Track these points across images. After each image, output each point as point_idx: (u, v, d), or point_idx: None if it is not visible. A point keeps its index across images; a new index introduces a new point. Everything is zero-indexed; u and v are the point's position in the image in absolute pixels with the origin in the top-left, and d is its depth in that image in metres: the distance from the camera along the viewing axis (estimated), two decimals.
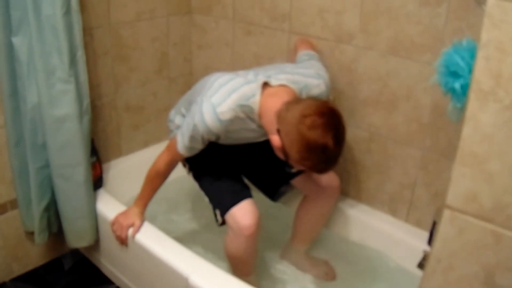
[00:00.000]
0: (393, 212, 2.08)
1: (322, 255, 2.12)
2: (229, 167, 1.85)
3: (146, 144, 2.49)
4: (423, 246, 1.84)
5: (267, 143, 1.90)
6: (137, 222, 1.84)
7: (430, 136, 1.85)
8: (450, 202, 0.87)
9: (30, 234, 2.08)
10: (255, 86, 1.58)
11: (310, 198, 1.97)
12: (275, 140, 1.50)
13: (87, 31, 1.98)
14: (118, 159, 2.39)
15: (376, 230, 2.07)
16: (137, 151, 2.46)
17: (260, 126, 1.60)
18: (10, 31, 1.70)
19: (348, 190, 2.19)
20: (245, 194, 1.75)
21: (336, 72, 2.02)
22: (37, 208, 1.94)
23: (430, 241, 1.84)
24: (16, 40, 1.71)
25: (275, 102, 1.52)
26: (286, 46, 2.15)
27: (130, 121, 2.39)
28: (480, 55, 0.77)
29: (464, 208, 0.85)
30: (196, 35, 2.52)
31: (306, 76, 1.70)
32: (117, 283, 2.11)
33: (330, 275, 2.04)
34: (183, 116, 1.81)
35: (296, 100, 1.52)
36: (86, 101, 1.88)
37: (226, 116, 1.54)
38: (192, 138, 1.62)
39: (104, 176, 2.20)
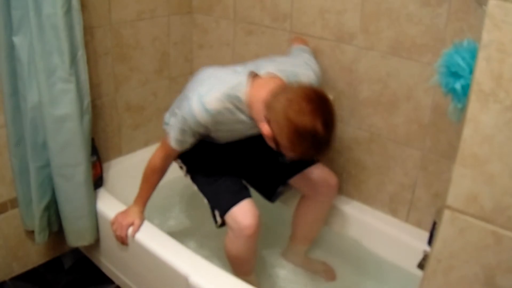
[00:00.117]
0: (394, 213, 2.08)
1: (322, 255, 2.12)
2: (226, 167, 1.85)
3: (146, 143, 2.49)
4: (423, 246, 1.84)
5: (262, 142, 1.90)
6: (137, 221, 1.84)
7: (431, 137, 1.85)
8: (451, 203, 0.87)
9: (31, 233, 2.08)
10: (243, 77, 1.58)
11: (308, 197, 1.97)
12: (265, 128, 1.48)
13: (87, 30, 1.98)
14: (119, 159, 2.40)
15: (377, 230, 2.07)
16: (138, 150, 2.46)
17: (250, 117, 1.59)
18: (11, 30, 1.71)
19: (349, 190, 2.19)
20: (244, 193, 1.75)
21: (336, 72, 2.02)
22: (37, 207, 1.94)
23: (430, 241, 1.85)
24: (16, 40, 1.71)
25: (263, 91, 1.51)
26: (287, 46, 2.15)
27: (130, 120, 2.39)
28: (481, 56, 0.77)
29: (465, 208, 0.85)
30: (197, 35, 2.52)
31: (295, 65, 1.69)
32: (117, 282, 2.11)
33: (330, 275, 2.04)
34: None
35: (283, 87, 1.49)
36: (87, 101, 1.88)
37: (213, 106, 1.53)
38: (182, 131, 1.62)
39: (105, 175, 2.20)
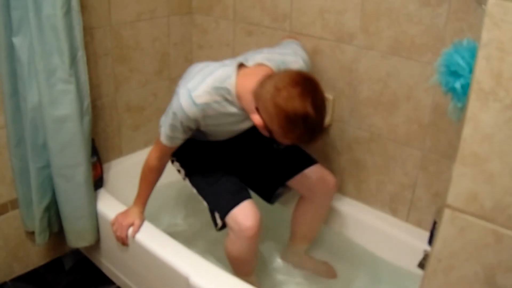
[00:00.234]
0: (394, 212, 2.08)
1: (322, 255, 2.12)
2: (224, 169, 1.84)
3: (146, 144, 2.49)
4: (424, 246, 1.84)
5: (259, 144, 1.90)
6: (137, 222, 1.84)
7: (431, 136, 1.85)
8: (451, 202, 0.87)
9: (31, 234, 2.08)
10: (231, 68, 1.58)
11: (307, 198, 1.96)
12: (256, 118, 1.48)
13: (87, 31, 1.98)
14: (119, 159, 2.40)
15: (377, 230, 2.07)
16: (138, 151, 2.46)
17: (241, 109, 1.59)
18: (11, 31, 1.71)
19: (349, 190, 2.19)
20: (244, 194, 1.74)
21: (336, 72, 2.02)
22: (37, 208, 1.94)
23: (430, 241, 1.85)
24: (16, 40, 1.72)
25: (251, 81, 1.51)
26: None
27: (130, 121, 2.39)
28: (481, 54, 0.77)
29: (465, 208, 0.85)
30: (196, 35, 2.52)
31: (283, 54, 1.69)
32: (118, 283, 2.11)
33: (330, 274, 2.04)
34: None
35: (269, 75, 1.49)
36: (87, 101, 1.88)
37: (201, 99, 1.53)
38: (172, 126, 1.62)
39: (105, 176, 2.20)
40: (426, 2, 1.69)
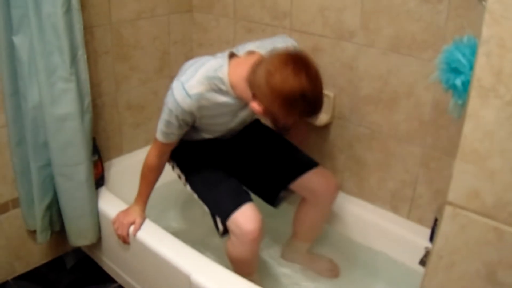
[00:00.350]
0: (395, 209, 2.08)
1: (324, 252, 2.12)
2: (225, 173, 1.83)
3: (147, 142, 2.48)
4: (425, 243, 1.84)
5: (260, 147, 1.90)
6: (138, 220, 1.84)
7: (431, 133, 1.85)
8: (452, 199, 0.87)
9: (32, 233, 2.08)
10: (222, 59, 1.59)
11: (308, 201, 1.95)
12: (255, 106, 1.49)
13: (88, 30, 1.98)
14: (120, 158, 2.40)
15: (378, 227, 2.07)
16: (138, 149, 2.46)
17: (236, 98, 1.59)
18: (11, 30, 1.71)
19: (350, 188, 2.19)
20: (245, 198, 1.73)
21: (337, 69, 2.01)
22: (39, 207, 1.94)
23: (432, 238, 1.85)
24: (17, 39, 1.72)
25: (244, 69, 1.52)
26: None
27: (131, 119, 2.39)
28: (481, 51, 0.77)
29: (466, 205, 0.85)
30: (197, 34, 2.52)
31: (273, 42, 1.70)
32: (119, 281, 2.11)
33: (333, 271, 2.04)
34: None
35: (259, 60, 1.50)
36: (87, 100, 1.88)
37: (195, 90, 1.54)
38: (167, 122, 1.62)
39: (106, 174, 2.20)
40: None
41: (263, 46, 1.64)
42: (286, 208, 2.06)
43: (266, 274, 2.01)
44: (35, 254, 2.18)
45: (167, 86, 1.53)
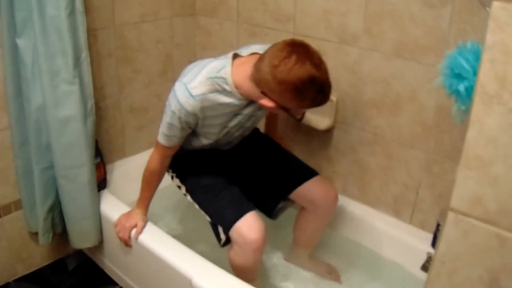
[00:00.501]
0: (397, 214, 2.07)
1: (326, 256, 2.12)
2: (226, 183, 1.81)
3: (150, 145, 2.48)
4: (427, 248, 1.84)
5: (259, 158, 1.89)
6: (140, 223, 1.84)
7: (434, 138, 1.84)
8: (455, 205, 0.87)
9: (34, 235, 2.08)
10: (225, 60, 1.59)
11: (308, 210, 1.94)
12: (266, 102, 1.50)
13: (91, 32, 1.98)
14: (122, 160, 2.40)
15: (380, 232, 2.07)
16: (141, 152, 2.46)
17: (240, 98, 1.59)
18: (15, 32, 1.71)
19: (352, 192, 2.19)
20: (247, 206, 1.72)
21: (340, 73, 2.01)
22: (41, 209, 1.94)
23: (434, 243, 1.84)
24: (20, 42, 1.72)
25: (247, 68, 1.52)
26: None
27: (134, 122, 2.40)
28: (485, 58, 0.77)
29: (469, 211, 0.85)
30: (200, 37, 2.53)
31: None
32: (121, 284, 2.11)
33: (334, 275, 2.04)
34: None
35: (260, 58, 1.50)
36: (91, 103, 1.88)
37: (198, 91, 1.54)
38: (170, 124, 1.62)
39: (108, 177, 2.20)
40: (430, 4, 1.69)
41: (266, 48, 1.64)
42: (290, 211, 2.05)
43: (268, 278, 2.00)
44: (37, 256, 2.19)
45: (170, 89, 1.54)
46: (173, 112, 1.57)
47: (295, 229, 2.03)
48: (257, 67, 1.48)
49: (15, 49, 1.73)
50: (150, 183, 1.82)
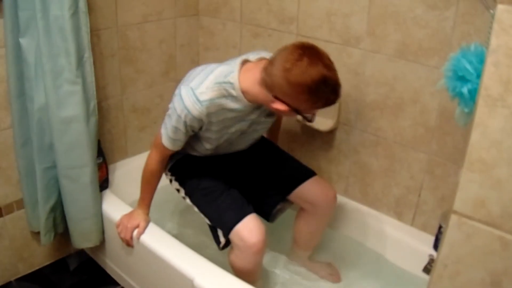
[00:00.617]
0: (399, 216, 2.07)
1: (327, 257, 2.12)
2: (225, 186, 1.81)
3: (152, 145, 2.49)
4: (429, 250, 1.84)
5: (257, 161, 1.89)
6: (142, 224, 1.84)
7: (437, 140, 1.84)
8: (458, 208, 0.87)
9: (36, 234, 2.09)
10: (233, 65, 1.59)
11: (307, 211, 1.94)
12: (279, 106, 1.50)
13: (94, 32, 1.99)
14: (124, 161, 2.40)
15: (382, 234, 2.07)
16: (143, 152, 2.46)
17: (247, 103, 1.58)
18: (18, 32, 1.71)
19: (354, 193, 2.19)
20: (247, 209, 1.71)
21: (343, 75, 2.00)
22: (43, 209, 1.94)
23: (436, 245, 1.84)
24: (23, 41, 1.72)
25: (254, 74, 1.53)
26: None
27: (136, 122, 2.40)
28: (489, 60, 0.77)
29: (472, 214, 0.85)
30: (203, 37, 2.53)
31: None
32: (122, 284, 2.11)
33: (335, 276, 2.04)
34: None
35: (269, 62, 1.51)
36: (93, 103, 1.89)
37: (206, 96, 1.53)
38: (175, 128, 1.61)
39: (110, 177, 2.20)
40: (433, 6, 1.69)
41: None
42: (290, 211, 2.05)
43: (269, 278, 2.00)
44: (39, 256, 2.19)
45: (172, 90, 1.54)
46: (179, 117, 1.57)
47: (294, 230, 2.03)
48: (268, 72, 1.48)
49: (18, 48, 1.73)
50: (150, 182, 1.82)
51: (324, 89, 1.43)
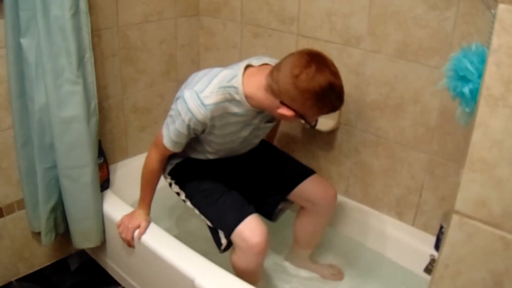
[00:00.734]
0: (400, 216, 2.07)
1: (328, 257, 2.12)
2: (224, 186, 1.81)
3: None
4: (430, 250, 1.83)
5: (256, 161, 1.89)
6: (143, 224, 1.84)
7: (438, 140, 1.84)
8: (459, 208, 0.86)
9: (37, 235, 2.09)
10: (236, 69, 1.60)
11: (308, 210, 1.94)
12: (285, 111, 1.51)
13: (95, 32, 1.99)
14: (125, 161, 2.40)
15: (383, 234, 2.07)
16: (144, 152, 2.43)
17: (250, 108, 1.59)
18: (19, 32, 1.71)
19: (355, 194, 2.19)
20: (248, 210, 1.71)
21: (343, 75, 1.99)
22: (44, 209, 1.94)
23: (437, 245, 1.84)
24: (24, 41, 1.72)
25: (259, 79, 1.54)
26: (294, 49, 2.14)
27: (137, 122, 2.40)
28: (491, 60, 0.77)
29: (473, 214, 0.85)
30: (204, 37, 2.53)
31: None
32: (123, 284, 2.11)
33: (337, 275, 2.04)
34: None
35: (276, 68, 1.52)
36: (94, 103, 1.89)
37: (210, 100, 1.54)
38: (178, 132, 1.62)
39: (111, 177, 2.20)
40: (434, 5, 1.68)
41: (277, 60, 1.63)
42: (290, 212, 2.05)
43: (271, 278, 2.00)
44: (39, 256, 2.19)
45: (173, 90, 1.54)
46: (183, 120, 1.57)
47: (295, 229, 2.03)
48: (274, 78, 1.49)
49: (19, 48, 1.73)
50: (150, 182, 1.82)
51: (331, 95, 1.46)
